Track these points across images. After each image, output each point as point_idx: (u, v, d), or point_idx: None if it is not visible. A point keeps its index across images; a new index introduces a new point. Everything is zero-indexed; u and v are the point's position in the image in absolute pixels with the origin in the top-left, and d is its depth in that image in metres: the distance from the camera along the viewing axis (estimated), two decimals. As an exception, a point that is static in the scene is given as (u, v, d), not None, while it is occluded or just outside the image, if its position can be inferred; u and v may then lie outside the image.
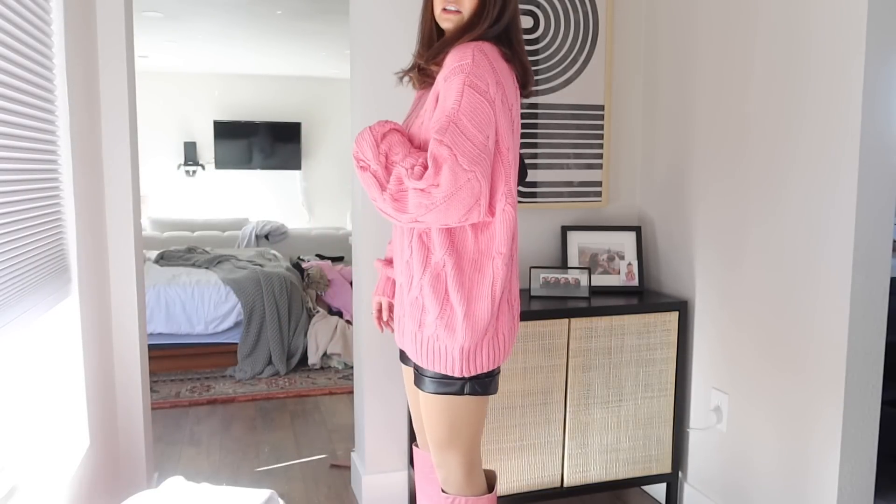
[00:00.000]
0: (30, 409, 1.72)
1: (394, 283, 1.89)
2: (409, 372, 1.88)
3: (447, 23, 1.60)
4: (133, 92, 2.45)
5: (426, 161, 1.49)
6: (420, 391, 1.69)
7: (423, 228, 1.58)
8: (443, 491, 1.75)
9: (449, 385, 1.63)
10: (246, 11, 5.28)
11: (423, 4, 1.69)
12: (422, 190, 1.47)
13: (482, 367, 1.62)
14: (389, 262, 1.89)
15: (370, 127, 1.58)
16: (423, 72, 1.69)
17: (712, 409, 2.43)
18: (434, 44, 1.65)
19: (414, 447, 1.98)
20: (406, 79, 1.78)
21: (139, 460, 2.46)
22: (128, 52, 2.36)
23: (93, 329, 2.14)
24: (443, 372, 1.61)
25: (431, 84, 1.67)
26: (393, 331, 1.88)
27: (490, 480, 1.81)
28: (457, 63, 1.52)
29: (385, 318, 1.94)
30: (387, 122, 1.60)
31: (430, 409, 1.68)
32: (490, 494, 1.76)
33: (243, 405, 3.85)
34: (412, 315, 1.64)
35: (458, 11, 1.58)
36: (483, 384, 1.66)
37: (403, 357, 1.88)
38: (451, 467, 1.72)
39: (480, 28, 1.57)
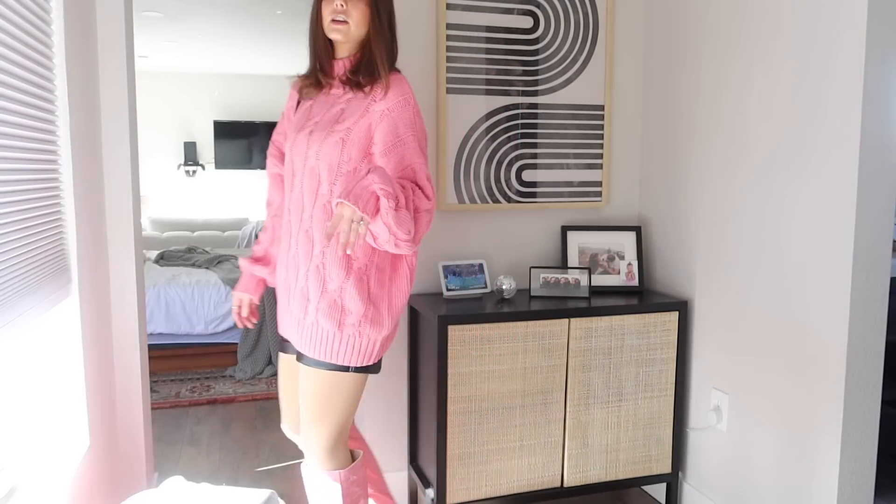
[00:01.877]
0: (30, 409, 1.72)
1: (259, 281, 1.99)
2: (289, 360, 1.94)
3: (336, 34, 1.71)
4: (133, 92, 2.45)
5: (416, 184, 1.68)
6: (307, 367, 1.77)
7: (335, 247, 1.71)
8: (322, 468, 1.84)
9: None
10: (246, 11, 5.28)
11: (313, 18, 1.77)
12: (429, 210, 1.66)
13: (386, 348, 1.81)
14: (257, 260, 1.97)
15: (375, 174, 1.55)
16: (351, 82, 1.75)
17: (712, 409, 2.43)
18: (328, 53, 1.77)
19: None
20: (294, 82, 1.87)
21: (139, 460, 2.46)
22: (128, 52, 2.36)
23: (93, 329, 2.14)
24: (363, 364, 1.75)
25: (344, 91, 1.77)
26: (253, 326, 2.11)
27: (354, 457, 1.90)
28: (402, 96, 1.71)
29: (246, 314, 2.00)
30: (372, 169, 1.59)
31: (316, 383, 1.76)
32: (351, 465, 1.84)
33: (243, 405, 3.85)
34: (330, 315, 1.72)
35: (345, 21, 1.70)
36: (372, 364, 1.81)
37: (283, 346, 1.94)
38: (315, 441, 1.80)
39: (394, 56, 1.77)
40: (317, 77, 1.79)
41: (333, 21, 1.70)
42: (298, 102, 1.88)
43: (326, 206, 1.73)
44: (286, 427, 2.04)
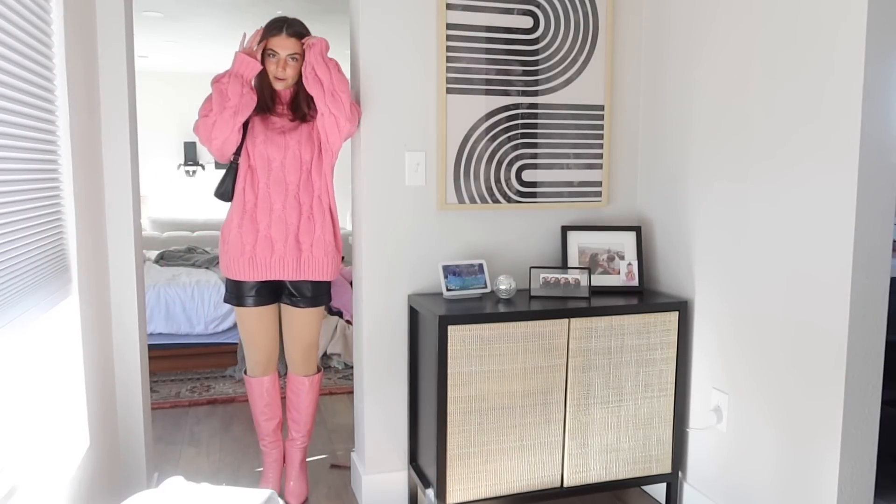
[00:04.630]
0: (30, 409, 1.72)
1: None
2: (269, 312, 2.61)
3: (280, 85, 2.47)
4: (133, 92, 2.45)
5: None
6: (308, 310, 2.60)
7: (327, 200, 2.55)
8: (306, 376, 2.67)
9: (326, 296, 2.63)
10: (246, 11, 5.29)
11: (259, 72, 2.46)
12: (353, 116, 2.47)
13: None
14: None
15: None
16: (301, 115, 2.53)
17: (712, 409, 2.43)
18: (264, 94, 2.50)
19: (252, 381, 2.69)
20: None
21: (139, 460, 2.46)
22: (128, 52, 2.36)
23: (93, 329, 2.14)
24: (334, 277, 2.61)
25: (299, 120, 2.53)
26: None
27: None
28: None
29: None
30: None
31: (314, 318, 2.62)
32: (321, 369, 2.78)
33: (243, 405, 3.85)
34: (321, 248, 2.53)
35: (285, 80, 2.46)
36: None
37: (269, 298, 2.59)
38: (313, 353, 2.68)
39: None
40: (262, 108, 2.50)
41: (276, 78, 2.45)
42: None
43: (309, 176, 2.51)
44: (259, 369, 2.68)
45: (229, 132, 2.40)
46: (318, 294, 2.60)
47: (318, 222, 2.53)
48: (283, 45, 2.40)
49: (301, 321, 2.61)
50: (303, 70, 2.41)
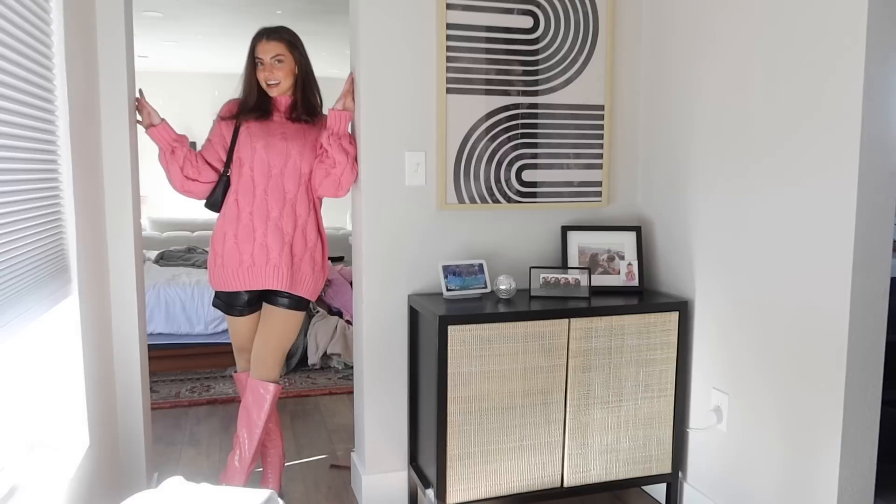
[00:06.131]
0: (30, 409, 1.72)
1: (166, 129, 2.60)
2: (258, 317, 2.59)
3: (274, 90, 2.49)
4: (133, 92, 2.45)
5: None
6: (291, 312, 2.52)
7: (313, 217, 2.56)
8: (270, 382, 2.53)
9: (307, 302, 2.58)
10: (246, 11, 5.29)
11: (247, 74, 2.51)
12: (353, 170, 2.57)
13: None
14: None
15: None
16: (301, 119, 2.54)
17: (712, 409, 2.43)
18: (257, 100, 2.51)
19: (241, 375, 2.69)
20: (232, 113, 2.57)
21: (139, 460, 2.46)
22: (128, 52, 2.36)
23: (93, 329, 2.14)
24: (314, 297, 2.60)
25: (303, 122, 2.54)
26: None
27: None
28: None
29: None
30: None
31: (294, 322, 2.55)
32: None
33: (243, 405, 3.84)
34: (309, 263, 2.53)
35: (278, 83, 2.47)
36: None
37: (258, 305, 2.58)
38: (279, 360, 2.57)
39: (319, 92, 2.62)
40: (258, 112, 2.50)
41: (268, 84, 2.47)
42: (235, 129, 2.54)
43: (307, 190, 2.52)
44: (243, 366, 2.69)
45: (174, 178, 2.71)
46: (301, 300, 2.54)
47: (311, 237, 2.53)
48: (266, 50, 2.44)
49: (279, 321, 2.53)
50: (328, 138, 2.45)
